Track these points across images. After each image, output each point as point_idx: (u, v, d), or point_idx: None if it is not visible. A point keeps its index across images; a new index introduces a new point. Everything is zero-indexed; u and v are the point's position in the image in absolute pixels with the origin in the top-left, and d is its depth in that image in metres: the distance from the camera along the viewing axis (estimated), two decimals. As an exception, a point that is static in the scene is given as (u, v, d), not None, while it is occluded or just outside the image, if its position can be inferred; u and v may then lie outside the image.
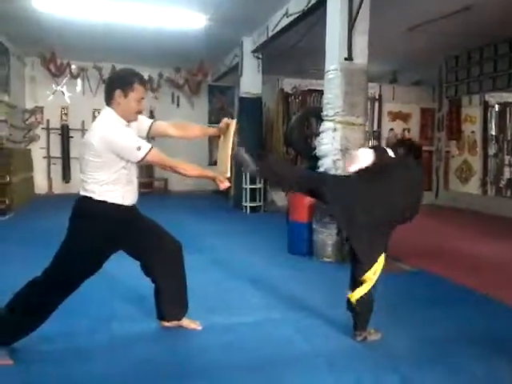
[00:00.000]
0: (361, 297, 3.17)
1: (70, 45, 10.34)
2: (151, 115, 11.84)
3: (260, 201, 9.75)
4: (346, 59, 5.59)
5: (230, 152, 3.11)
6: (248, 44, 9.88)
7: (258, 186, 9.64)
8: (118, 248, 3.06)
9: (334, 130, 5.60)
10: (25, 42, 10.33)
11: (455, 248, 6.34)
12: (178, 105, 13.33)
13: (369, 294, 3.18)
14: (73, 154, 12.14)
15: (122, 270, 4.02)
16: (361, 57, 5.67)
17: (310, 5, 6.70)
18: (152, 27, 8.75)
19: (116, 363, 2.87)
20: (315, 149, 6.06)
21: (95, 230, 2.86)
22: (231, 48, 10.58)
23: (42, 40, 10.06)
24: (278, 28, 8.05)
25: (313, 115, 8.23)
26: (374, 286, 3.18)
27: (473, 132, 11.09)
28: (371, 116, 11.53)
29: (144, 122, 3.16)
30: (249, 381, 2.71)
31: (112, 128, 2.80)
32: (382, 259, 3.17)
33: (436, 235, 7.26)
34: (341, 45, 5.60)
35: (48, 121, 12.31)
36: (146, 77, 3.08)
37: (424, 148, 9.79)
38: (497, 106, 11.17)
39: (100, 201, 2.84)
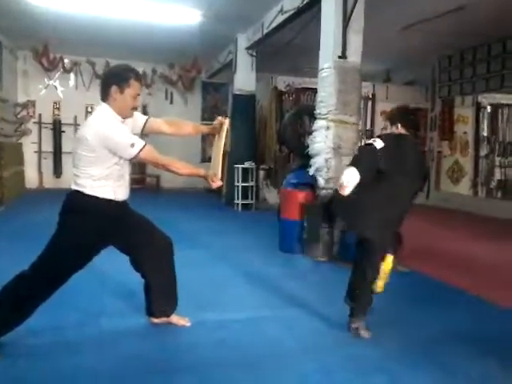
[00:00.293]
0: (364, 285, 3.25)
1: (63, 39, 10.28)
2: (144, 111, 11.79)
3: (252, 199, 9.74)
4: (340, 57, 5.60)
5: (222, 151, 3.13)
6: (242, 41, 9.87)
7: (250, 183, 9.64)
8: (108, 243, 3.05)
9: (327, 128, 5.61)
10: (17, 35, 10.26)
11: (446, 248, 6.35)
12: (171, 101, 13.29)
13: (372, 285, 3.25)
14: (64, 148, 12.10)
15: (112, 264, 3.99)
16: (355, 55, 5.68)
17: (304, 2, 6.70)
18: (146, 22, 8.71)
19: (104, 358, 2.86)
20: (308, 147, 6.07)
21: (85, 225, 2.84)
22: (225, 45, 10.56)
23: (34, 34, 9.99)
24: (273, 25, 8.05)
25: (306, 113, 8.21)
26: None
27: (465, 133, 11.14)
28: (364, 115, 11.56)
29: (139, 118, 3.16)
30: (237, 377, 2.70)
31: (107, 124, 2.79)
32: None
33: (427, 236, 7.27)
34: (335, 43, 5.62)
35: (40, 115, 12.24)
36: (140, 72, 3.06)
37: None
38: (489, 107, 11.23)
39: (91, 195, 2.83)
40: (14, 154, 10.69)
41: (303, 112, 8.34)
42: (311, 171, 5.83)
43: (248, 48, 9.84)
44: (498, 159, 11.17)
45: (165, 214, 7.00)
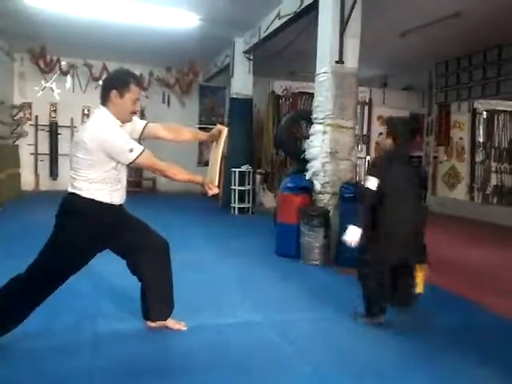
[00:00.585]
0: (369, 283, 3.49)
1: (60, 41, 10.28)
2: (142, 114, 11.80)
3: (248, 202, 9.74)
4: (337, 62, 5.62)
5: (219, 159, 3.16)
6: (240, 45, 9.89)
7: (247, 187, 9.65)
8: (104, 246, 3.05)
9: (324, 132, 5.63)
10: (14, 37, 10.22)
11: (442, 253, 6.35)
12: (168, 104, 13.29)
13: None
14: (61, 150, 12.07)
15: (109, 267, 3.99)
16: (352, 60, 5.70)
17: (302, 7, 6.72)
18: (143, 26, 8.72)
19: (100, 361, 2.85)
20: (305, 151, 6.08)
21: (82, 228, 2.84)
22: (223, 48, 10.58)
23: (32, 35, 9.98)
24: (270, 30, 8.07)
25: (303, 118, 8.22)
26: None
27: (461, 138, 11.19)
28: (361, 120, 11.59)
29: (138, 123, 3.16)
30: (233, 382, 2.70)
31: (106, 128, 2.80)
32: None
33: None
34: (332, 48, 5.63)
35: (36, 117, 12.21)
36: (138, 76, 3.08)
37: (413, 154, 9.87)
38: (485, 113, 11.28)
39: (87, 198, 2.83)
40: (11, 156, 10.67)
41: (300, 116, 8.36)
42: (308, 175, 5.85)
43: (245, 52, 9.86)
44: (494, 165, 11.22)
45: (161, 217, 6.99)
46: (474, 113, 11.13)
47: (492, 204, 10.88)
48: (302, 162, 6.24)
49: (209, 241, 6.67)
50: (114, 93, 2.85)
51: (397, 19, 7.82)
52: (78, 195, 2.83)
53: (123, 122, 2.93)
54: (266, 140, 10.62)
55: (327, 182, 5.61)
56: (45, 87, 12.30)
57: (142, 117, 11.14)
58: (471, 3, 6.97)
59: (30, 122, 12.16)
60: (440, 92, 11.07)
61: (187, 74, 12.58)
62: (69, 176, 2.89)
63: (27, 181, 12.03)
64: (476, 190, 11.13)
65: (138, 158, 2.81)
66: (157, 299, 3.26)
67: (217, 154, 3.19)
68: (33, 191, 11.99)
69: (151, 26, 8.76)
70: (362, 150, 11.69)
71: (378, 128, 11.75)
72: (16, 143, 11.69)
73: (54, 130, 12.25)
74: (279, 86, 11.04)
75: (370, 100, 11.92)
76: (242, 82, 10.10)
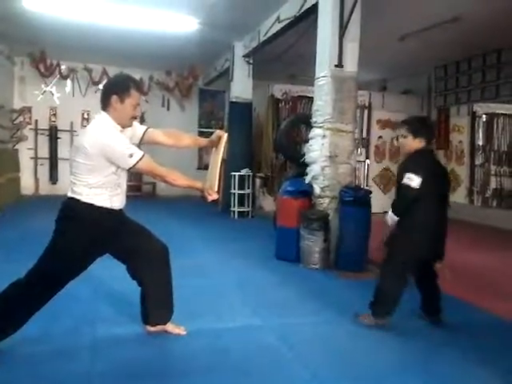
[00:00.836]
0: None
1: (60, 45, 10.29)
2: (142, 118, 11.79)
3: (248, 206, 9.74)
4: (336, 66, 5.63)
5: (219, 164, 3.15)
6: (239, 49, 9.91)
7: (247, 191, 9.65)
8: (104, 251, 3.05)
9: (323, 136, 5.63)
10: (14, 41, 10.22)
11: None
12: (168, 108, 13.30)
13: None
14: (61, 155, 12.06)
15: (108, 272, 3.99)
16: (351, 64, 5.71)
17: (301, 11, 6.73)
18: (143, 30, 8.73)
19: (99, 365, 2.85)
20: (304, 155, 6.08)
21: (81, 233, 2.84)
22: (222, 52, 10.59)
23: (31, 40, 9.98)
24: (270, 33, 8.08)
25: (302, 121, 8.23)
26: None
27: (460, 142, 11.19)
28: (360, 123, 11.58)
29: (138, 128, 3.17)
30: (233, 386, 2.70)
31: (106, 133, 2.81)
32: None
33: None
34: (331, 52, 5.64)
35: (36, 121, 12.20)
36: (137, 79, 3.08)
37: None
38: (484, 117, 11.29)
39: (87, 203, 2.83)
40: (10, 160, 10.67)
41: (300, 120, 8.36)
42: (307, 179, 5.85)
43: (245, 56, 9.88)
44: (493, 168, 11.22)
45: (160, 221, 7.00)
46: (474, 116, 11.13)
47: (491, 207, 10.87)
48: (302, 166, 6.24)
49: (208, 245, 6.66)
50: (114, 98, 2.86)
51: (396, 23, 7.83)
52: (77, 200, 2.83)
53: (123, 127, 2.94)
54: (266, 144, 10.61)
55: (327, 186, 5.62)
56: (45, 91, 12.29)
57: (142, 121, 11.15)
58: (470, 8, 6.98)
59: (29, 126, 12.15)
60: (439, 96, 11.08)
61: (187, 78, 12.60)
62: (68, 180, 2.90)
63: (27, 185, 12.03)
64: (475, 193, 11.12)
65: (137, 163, 2.81)
66: (156, 304, 3.26)
67: (216, 159, 3.20)
68: (32, 195, 11.98)
69: (151, 30, 8.76)
70: (361, 153, 11.66)
71: (377, 132, 11.76)
72: (16, 147, 11.69)
73: (53, 134, 12.25)
74: (279, 90, 11.03)
75: (370, 104, 11.91)
76: (241, 86, 10.12)
